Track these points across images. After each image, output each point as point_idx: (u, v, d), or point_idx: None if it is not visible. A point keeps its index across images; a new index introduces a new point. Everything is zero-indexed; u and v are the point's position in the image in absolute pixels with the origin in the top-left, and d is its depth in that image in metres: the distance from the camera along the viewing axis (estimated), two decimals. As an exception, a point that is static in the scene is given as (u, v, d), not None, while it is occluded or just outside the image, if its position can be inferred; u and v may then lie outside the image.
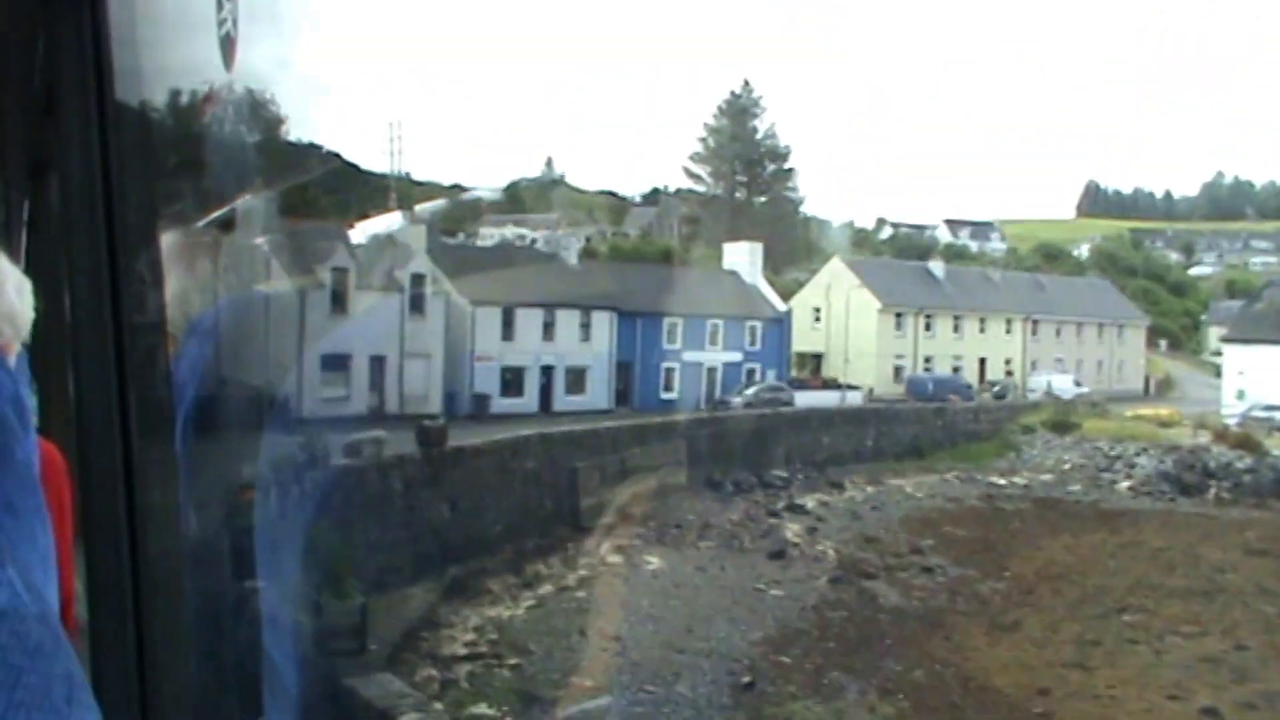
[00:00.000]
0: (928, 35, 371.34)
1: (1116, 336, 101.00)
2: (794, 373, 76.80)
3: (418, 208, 65.78)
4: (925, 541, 47.28)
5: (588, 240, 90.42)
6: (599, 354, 63.46)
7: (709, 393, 68.62)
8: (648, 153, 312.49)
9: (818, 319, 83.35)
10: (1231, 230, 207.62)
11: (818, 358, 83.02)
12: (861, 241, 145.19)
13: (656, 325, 66.74)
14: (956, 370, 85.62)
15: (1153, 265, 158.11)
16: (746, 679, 29.80)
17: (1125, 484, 61.83)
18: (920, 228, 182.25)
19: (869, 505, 54.82)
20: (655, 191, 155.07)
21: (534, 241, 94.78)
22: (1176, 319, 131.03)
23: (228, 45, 2.86)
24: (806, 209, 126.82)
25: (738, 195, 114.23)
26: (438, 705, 23.96)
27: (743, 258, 77.99)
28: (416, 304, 54.66)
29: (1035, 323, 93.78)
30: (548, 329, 61.14)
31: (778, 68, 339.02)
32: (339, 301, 50.60)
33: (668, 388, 67.47)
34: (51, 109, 2.47)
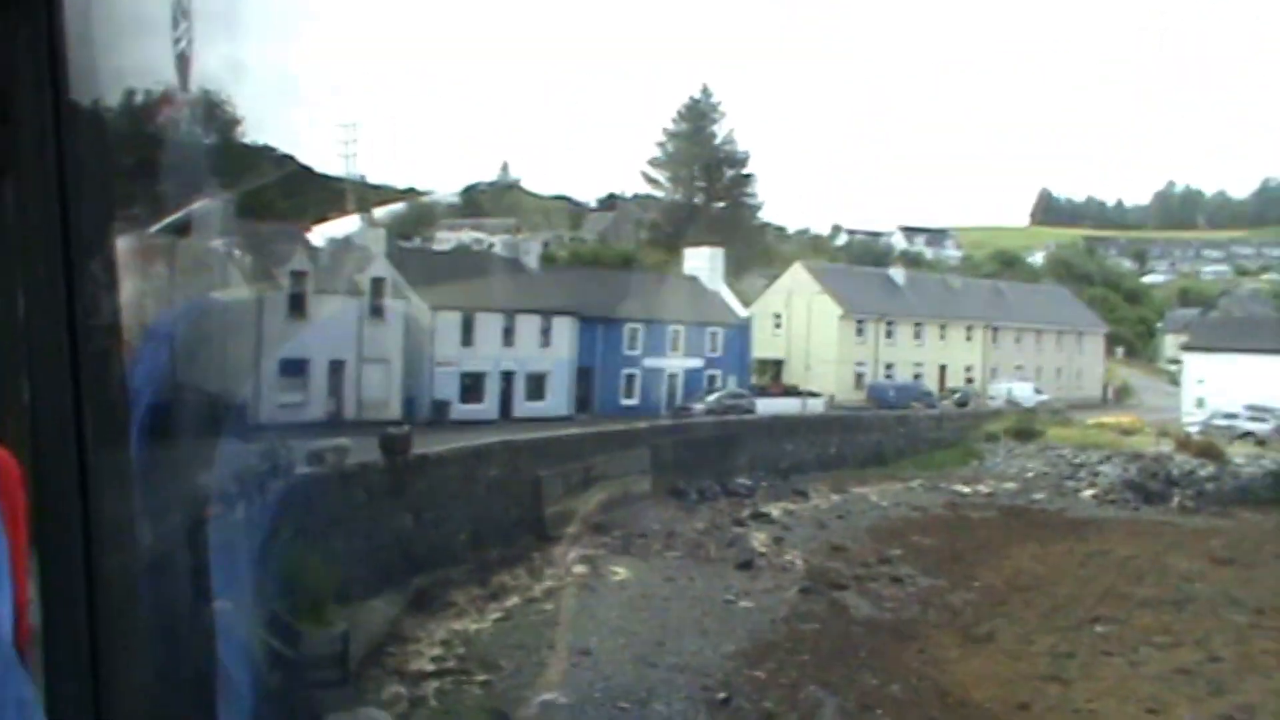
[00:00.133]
0: (885, 44, 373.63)
1: (1076, 344, 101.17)
2: (754, 379, 76.14)
3: (376, 211, 64.78)
4: (893, 551, 46.82)
5: (545, 245, 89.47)
6: (559, 360, 62.57)
7: (670, 399, 67.94)
8: (604, 158, 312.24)
9: (778, 325, 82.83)
10: (1183, 239, 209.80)
11: (778, 364, 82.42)
12: (818, 248, 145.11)
13: (617, 331, 66.00)
14: (917, 377, 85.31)
15: (1108, 273, 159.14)
16: (722, 695, 29.07)
17: (1089, 492, 61.76)
18: (876, 234, 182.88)
19: (834, 514, 54.33)
20: (612, 197, 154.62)
21: (491, 246, 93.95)
22: (1132, 326, 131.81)
23: (183, 62, 2.92)
24: (764, 215, 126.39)
25: (696, 201, 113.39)
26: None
27: (703, 263, 77.30)
28: (376, 308, 53.64)
29: (995, 330, 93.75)
30: (508, 334, 60.16)
31: (735, 73, 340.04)
32: (297, 305, 49.62)
33: (628, 394, 66.72)
34: (6, 113, 2.31)
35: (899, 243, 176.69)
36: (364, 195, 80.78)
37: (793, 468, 61.75)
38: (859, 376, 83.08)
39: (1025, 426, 70.63)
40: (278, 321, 47.95)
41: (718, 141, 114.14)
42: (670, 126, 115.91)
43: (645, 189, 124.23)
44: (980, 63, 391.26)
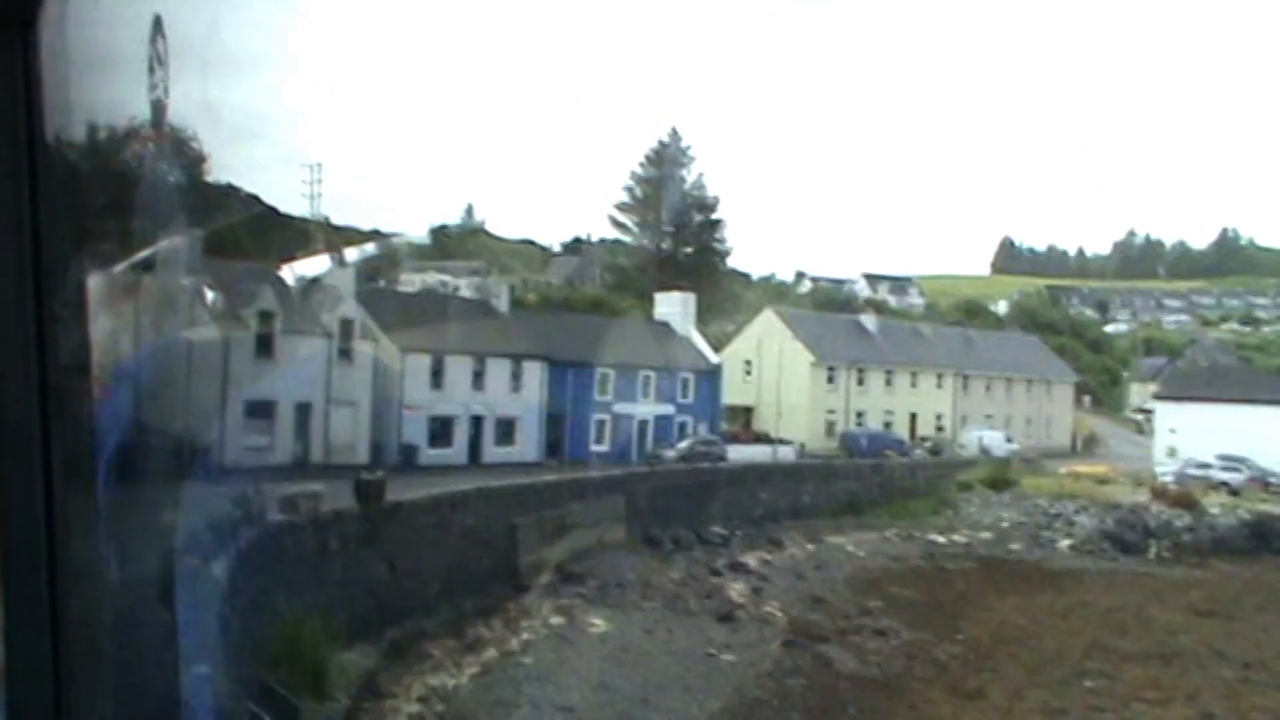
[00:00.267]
0: (847, 91, 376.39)
1: (1045, 393, 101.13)
2: (724, 426, 75.23)
3: (347, 252, 63.73)
4: (873, 602, 45.89)
5: (511, 289, 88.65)
6: (529, 404, 61.51)
7: (640, 445, 66.93)
8: (568, 202, 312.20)
9: (748, 372, 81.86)
10: (1144, 289, 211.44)
11: (748, 411, 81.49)
12: (782, 294, 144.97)
13: (588, 376, 65.01)
14: (888, 425, 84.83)
15: (1073, 322, 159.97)
16: (712, 756, 27.95)
17: (1066, 542, 61.20)
18: (839, 281, 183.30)
19: (812, 564, 53.45)
20: (577, 240, 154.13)
21: (456, 289, 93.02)
22: (1095, 376, 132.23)
23: (159, 107, 2.97)
24: (730, 261, 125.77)
25: (664, 246, 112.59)
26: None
27: (675, 308, 76.61)
28: (344, 350, 52.45)
29: (966, 378, 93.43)
30: (478, 378, 59.09)
31: (697, 120, 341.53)
32: (265, 346, 48.41)
33: (599, 440, 65.70)
34: None
35: (863, 290, 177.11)
36: (330, 236, 79.76)
37: (767, 516, 60.90)
38: (830, 424, 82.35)
39: (999, 476, 70.20)
40: (244, 362, 46.93)
41: (686, 186, 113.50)
42: (638, 170, 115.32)
43: (611, 233, 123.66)
44: (944, 111, 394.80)
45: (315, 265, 58.40)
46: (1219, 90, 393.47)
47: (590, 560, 46.79)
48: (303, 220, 76.89)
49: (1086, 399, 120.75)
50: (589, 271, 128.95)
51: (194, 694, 3.65)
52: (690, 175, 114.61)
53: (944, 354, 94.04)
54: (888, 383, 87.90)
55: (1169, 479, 69.49)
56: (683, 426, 70.03)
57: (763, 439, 73.57)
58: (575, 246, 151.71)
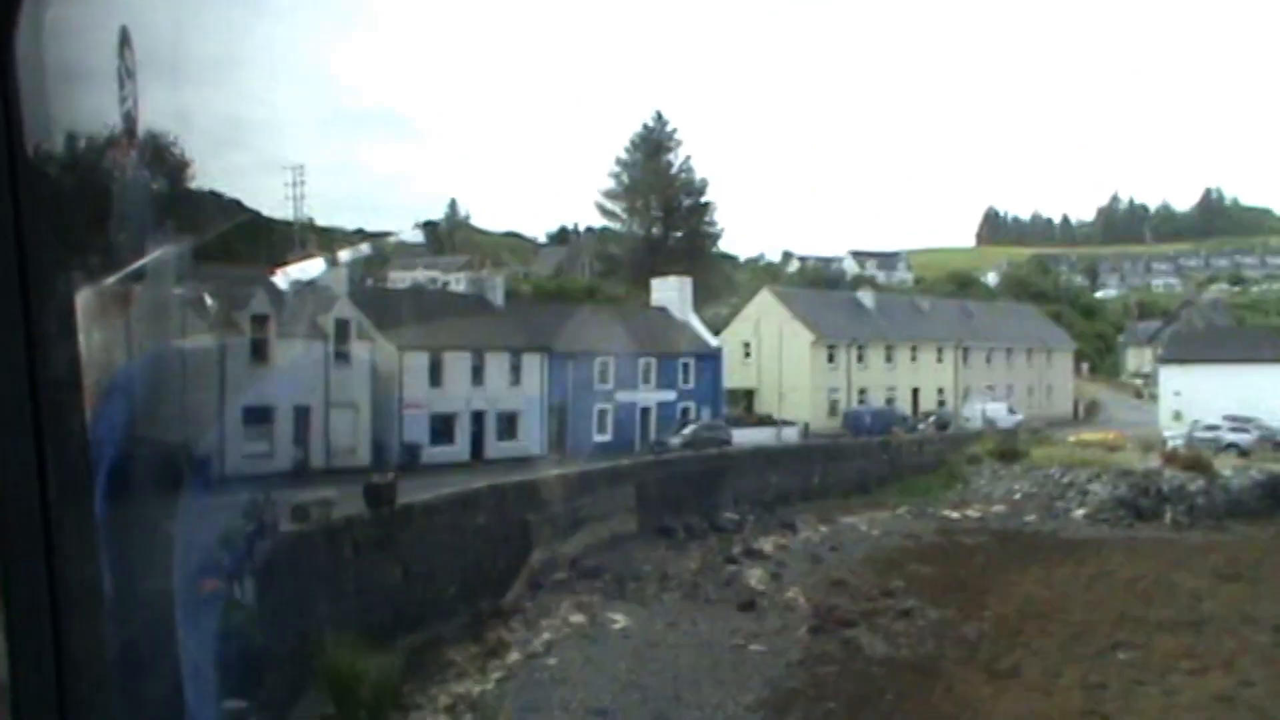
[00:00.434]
0: (828, 68, 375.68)
1: (1045, 361, 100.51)
2: (726, 410, 74.33)
3: (342, 253, 62.75)
4: (894, 583, 45.07)
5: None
6: (530, 397, 60.60)
7: (644, 434, 66.05)
8: (550, 192, 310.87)
9: (748, 354, 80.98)
10: (1132, 253, 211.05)
11: (749, 394, 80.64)
12: (772, 275, 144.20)
13: (588, 365, 64.08)
14: (890, 401, 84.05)
15: (1063, 290, 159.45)
16: (757, 752, 27.02)
17: (1080, 512, 60.49)
18: (827, 260, 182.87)
19: (827, 546, 52.65)
20: (564, 230, 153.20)
21: (446, 285, 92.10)
22: (1089, 342, 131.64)
23: (129, 120, 2.91)
24: (722, 244, 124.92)
25: (654, 231, 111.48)
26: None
27: (672, 293, 75.70)
28: (341, 352, 51.39)
29: (966, 350, 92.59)
30: (477, 373, 58.10)
31: (681, 101, 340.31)
32: (260, 351, 47.38)
33: (602, 430, 64.78)
34: None
35: (851, 267, 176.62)
36: (319, 238, 78.87)
37: (777, 499, 60.19)
38: (832, 403, 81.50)
39: (1008, 447, 69.37)
40: (240, 368, 46.05)
41: (674, 170, 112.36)
42: (624, 156, 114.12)
43: (598, 222, 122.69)
44: (923, 83, 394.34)
45: (307, 267, 57.49)
46: (1196, 50, 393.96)
47: (604, 553, 46.03)
48: (286, 224, 75.95)
49: (1084, 366, 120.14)
50: (577, 261, 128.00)
51: (199, 709, 3.53)
52: (678, 158, 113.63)
53: (943, 327, 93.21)
54: (888, 358, 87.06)
55: (1178, 443, 68.74)
56: (685, 412, 69.17)
57: (766, 421, 72.77)
58: (562, 236, 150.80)
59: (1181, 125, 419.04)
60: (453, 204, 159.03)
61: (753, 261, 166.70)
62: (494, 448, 57.54)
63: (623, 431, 65.29)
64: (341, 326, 51.56)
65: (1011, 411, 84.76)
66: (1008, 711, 30.26)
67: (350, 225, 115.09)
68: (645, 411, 67.47)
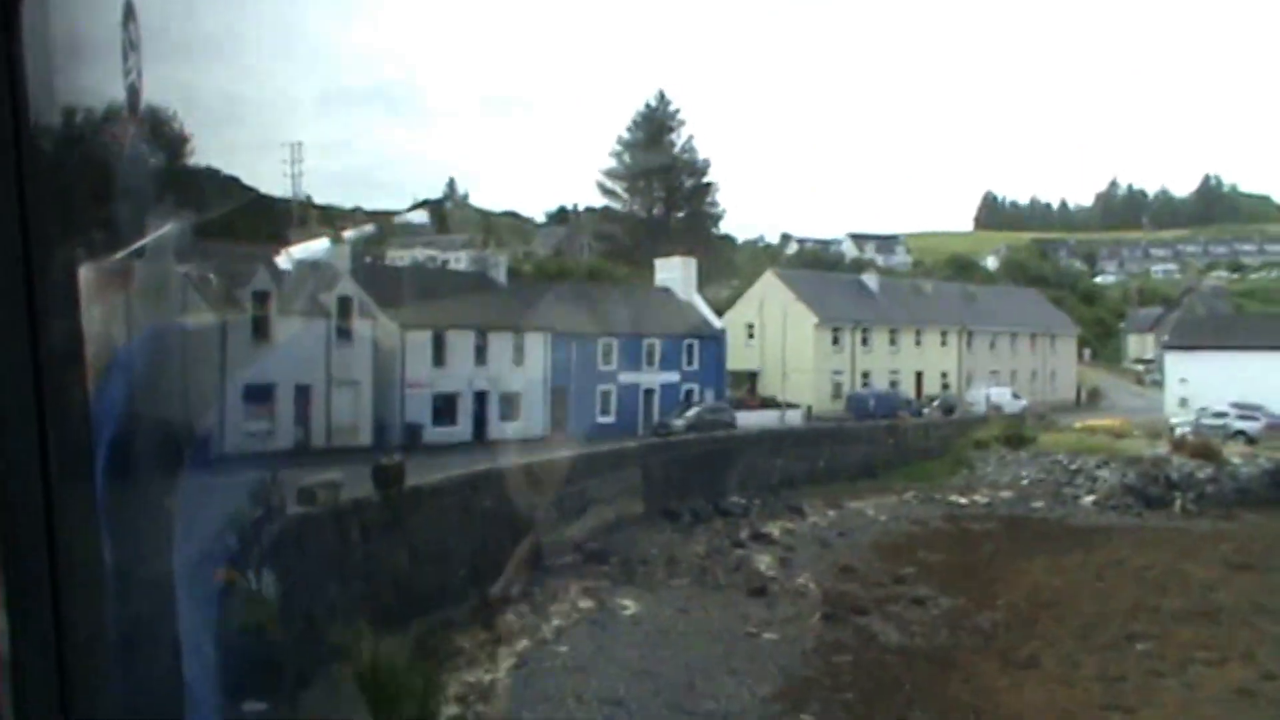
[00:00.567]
0: (828, 50, 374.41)
1: (1049, 346, 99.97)
2: (730, 392, 73.69)
3: (346, 233, 62.09)
4: (905, 569, 44.52)
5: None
6: (533, 378, 59.90)
7: (647, 415, 65.39)
8: (551, 172, 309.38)
9: (751, 335, 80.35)
10: (1130, 239, 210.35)
11: (753, 376, 79.92)
12: (772, 256, 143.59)
13: (591, 346, 63.37)
14: (894, 384, 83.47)
15: (1063, 275, 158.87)
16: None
17: (1089, 499, 59.95)
18: (825, 242, 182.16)
19: (835, 531, 52.11)
20: (563, 210, 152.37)
21: (445, 263, 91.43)
22: (1089, 328, 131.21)
23: (133, 94, 2.89)
24: (724, 225, 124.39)
25: (655, 211, 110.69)
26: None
27: (675, 274, 74.95)
28: (343, 329, 50.67)
29: (970, 334, 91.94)
30: (480, 353, 57.40)
31: (680, 82, 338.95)
32: (261, 329, 46.70)
33: (605, 411, 64.12)
34: None
35: (849, 250, 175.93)
36: (319, 215, 78.36)
37: (783, 483, 59.66)
38: (836, 386, 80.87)
39: (1014, 433, 68.75)
40: (242, 346, 45.44)
41: (676, 150, 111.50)
42: (625, 136, 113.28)
43: (597, 201, 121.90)
44: (923, 67, 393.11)
45: (310, 244, 56.82)
46: (1196, 36, 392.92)
47: (611, 536, 45.46)
48: (285, 201, 75.45)
49: (1086, 352, 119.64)
50: (577, 241, 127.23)
51: (200, 688, 3.43)
52: (680, 138, 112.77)
53: (946, 311, 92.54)
54: (892, 342, 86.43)
55: (1185, 430, 68.24)
56: (689, 394, 68.46)
57: (769, 404, 72.20)
58: (561, 216, 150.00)
59: (1181, 111, 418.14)
60: (451, 183, 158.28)
61: (751, 243, 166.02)
62: (497, 428, 56.86)
63: (625, 413, 64.64)
64: (344, 304, 50.89)
65: (1016, 396, 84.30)
66: (1027, 701, 29.71)
67: (348, 203, 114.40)
68: (648, 393, 66.79)
